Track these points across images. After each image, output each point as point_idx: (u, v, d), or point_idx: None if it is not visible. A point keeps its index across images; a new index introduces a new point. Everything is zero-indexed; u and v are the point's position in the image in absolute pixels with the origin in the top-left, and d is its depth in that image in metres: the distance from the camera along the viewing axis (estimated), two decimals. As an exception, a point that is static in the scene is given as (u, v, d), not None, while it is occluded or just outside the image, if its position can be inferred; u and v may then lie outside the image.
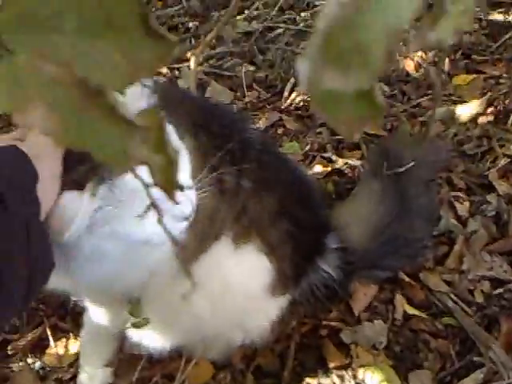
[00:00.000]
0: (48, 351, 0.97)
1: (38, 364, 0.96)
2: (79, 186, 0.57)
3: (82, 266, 0.65)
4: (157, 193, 0.29)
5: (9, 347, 0.98)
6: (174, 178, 0.27)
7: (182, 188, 0.28)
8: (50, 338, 0.98)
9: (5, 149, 0.54)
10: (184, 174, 0.66)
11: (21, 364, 0.96)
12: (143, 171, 0.26)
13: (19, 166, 0.52)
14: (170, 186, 0.28)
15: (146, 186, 0.28)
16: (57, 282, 0.72)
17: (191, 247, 0.75)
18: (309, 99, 1.52)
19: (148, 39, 0.24)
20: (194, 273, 0.76)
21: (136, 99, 0.58)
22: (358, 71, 0.23)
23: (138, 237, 0.62)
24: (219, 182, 0.76)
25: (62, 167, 0.56)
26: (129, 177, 0.56)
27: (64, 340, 0.98)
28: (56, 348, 0.97)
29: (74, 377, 0.92)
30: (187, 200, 0.63)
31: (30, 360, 0.96)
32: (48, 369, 0.95)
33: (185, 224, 0.63)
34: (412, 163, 1.00)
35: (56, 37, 0.23)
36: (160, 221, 0.32)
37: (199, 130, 0.77)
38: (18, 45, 0.23)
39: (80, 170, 0.56)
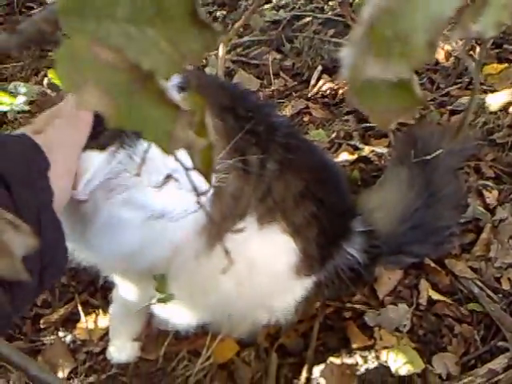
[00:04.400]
0: (79, 325, 1.01)
1: (69, 337, 1.00)
2: (101, 148, 0.58)
3: (100, 235, 0.65)
4: (174, 165, 0.29)
5: (41, 321, 1.02)
6: (213, 162, 0.28)
7: None
8: (81, 313, 1.01)
9: (17, 138, 0.52)
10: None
11: (52, 337, 1.00)
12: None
13: (30, 155, 0.50)
14: (208, 168, 0.29)
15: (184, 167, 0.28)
16: (80, 255, 0.74)
17: (215, 225, 0.76)
18: (336, 87, 1.52)
19: (194, 28, 0.25)
20: (219, 251, 0.78)
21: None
22: (400, 60, 0.23)
23: (156, 207, 0.62)
24: (244, 163, 0.77)
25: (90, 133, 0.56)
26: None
27: (94, 315, 1.01)
28: (86, 323, 1.00)
29: (104, 350, 0.95)
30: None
31: (61, 333, 1.00)
32: (79, 342, 0.98)
33: (203, 199, 0.63)
34: (439, 151, 1.00)
35: (109, 23, 0.24)
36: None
37: (225, 113, 0.77)
38: (73, 30, 0.25)
39: (104, 134, 0.57)
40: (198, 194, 0.30)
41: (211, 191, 0.64)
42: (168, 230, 0.70)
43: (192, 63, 0.27)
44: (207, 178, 0.29)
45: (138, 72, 0.25)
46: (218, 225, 0.77)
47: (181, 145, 0.26)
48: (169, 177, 0.60)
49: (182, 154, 0.27)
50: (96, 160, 0.57)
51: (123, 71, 0.25)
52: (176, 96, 0.26)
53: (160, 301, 0.80)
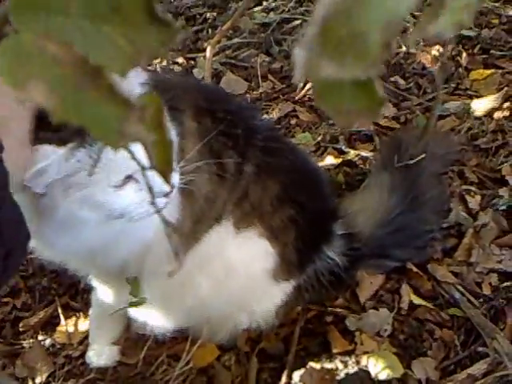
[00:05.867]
0: (59, 329, 0.99)
1: (48, 341, 0.98)
2: (61, 144, 0.56)
3: (58, 232, 0.64)
4: (135, 166, 0.29)
5: (20, 324, 1.01)
6: (171, 160, 0.28)
7: None
8: (61, 317, 1.00)
9: None
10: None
11: (32, 341, 0.98)
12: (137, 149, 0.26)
13: None
14: (166, 166, 0.28)
15: (141, 166, 0.28)
16: (43, 253, 0.73)
17: (187, 228, 0.75)
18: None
19: (152, 25, 0.24)
20: (194, 254, 0.77)
21: (131, 83, 0.57)
22: (354, 61, 0.23)
23: (114, 207, 0.62)
24: (220, 166, 0.76)
25: (52, 125, 0.53)
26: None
27: (74, 318, 1.00)
28: (66, 326, 0.99)
29: (83, 354, 0.94)
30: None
31: (40, 337, 0.99)
32: (58, 346, 0.97)
33: (164, 201, 0.62)
34: (422, 156, 1.00)
35: (61, 19, 0.24)
36: (153, 203, 0.32)
37: (203, 115, 0.77)
38: (24, 25, 0.24)
39: (66, 130, 0.56)
40: (154, 194, 0.29)
41: (174, 193, 0.63)
42: (132, 230, 0.69)
43: (148, 60, 0.26)
44: (165, 177, 0.28)
45: (86, 67, 0.24)
46: (189, 227, 0.76)
47: (129, 140, 0.25)
48: (129, 177, 0.60)
49: (142, 155, 0.27)
50: (52, 153, 0.56)
51: (71, 66, 0.24)
52: (127, 92, 0.25)
53: (132, 304, 0.79)
